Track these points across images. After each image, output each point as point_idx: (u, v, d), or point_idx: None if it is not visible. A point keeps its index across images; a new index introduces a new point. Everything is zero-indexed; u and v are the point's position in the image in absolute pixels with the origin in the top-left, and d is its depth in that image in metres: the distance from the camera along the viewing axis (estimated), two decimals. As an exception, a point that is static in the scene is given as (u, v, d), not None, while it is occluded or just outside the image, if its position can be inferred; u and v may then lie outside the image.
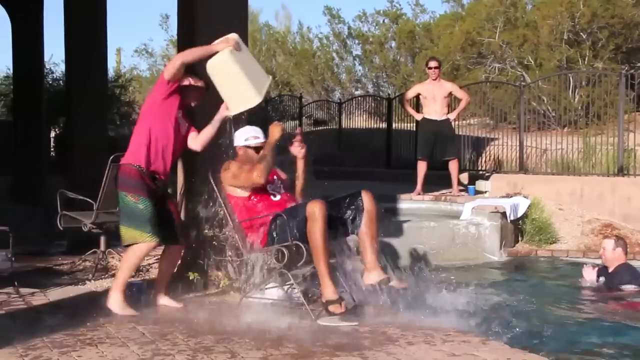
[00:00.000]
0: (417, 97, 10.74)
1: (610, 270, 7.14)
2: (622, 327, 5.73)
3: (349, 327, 4.73)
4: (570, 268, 8.07)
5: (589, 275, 7.20)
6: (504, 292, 7.08)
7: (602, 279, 7.19)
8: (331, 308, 4.67)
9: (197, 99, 5.32)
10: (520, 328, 5.55)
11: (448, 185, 10.59)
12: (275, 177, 5.41)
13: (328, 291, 4.76)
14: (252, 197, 5.23)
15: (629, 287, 6.96)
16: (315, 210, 4.74)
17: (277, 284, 5.50)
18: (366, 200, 5.11)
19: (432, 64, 10.08)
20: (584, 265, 7.38)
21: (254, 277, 5.41)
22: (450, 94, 10.24)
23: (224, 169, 5.27)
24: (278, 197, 5.29)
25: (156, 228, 4.97)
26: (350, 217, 5.14)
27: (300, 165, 5.47)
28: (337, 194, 5.29)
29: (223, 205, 5.24)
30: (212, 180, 5.33)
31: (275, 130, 5.20)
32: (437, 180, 11.59)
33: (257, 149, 5.33)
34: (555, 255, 8.80)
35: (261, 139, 5.33)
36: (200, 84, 5.28)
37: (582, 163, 11.28)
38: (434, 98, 10.09)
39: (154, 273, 6.59)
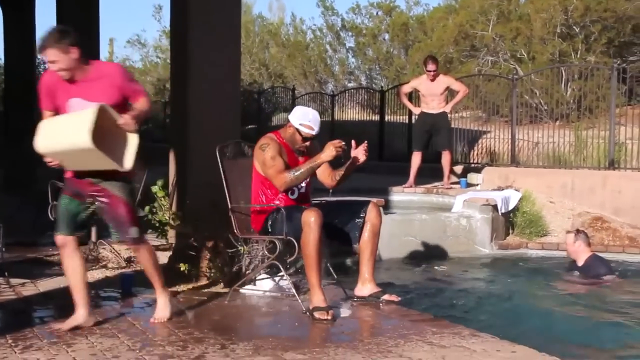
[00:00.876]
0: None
1: (580, 263, 7.37)
2: (602, 321, 5.78)
3: (339, 319, 4.74)
4: (559, 261, 8.09)
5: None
6: (493, 285, 7.13)
7: (575, 272, 7.40)
8: (317, 314, 4.67)
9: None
10: (509, 320, 5.59)
11: (440, 177, 10.60)
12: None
13: (316, 299, 4.76)
14: (271, 186, 5.13)
15: (609, 277, 7.22)
16: (311, 220, 4.69)
17: (268, 275, 5.50)
18: (373, 213, 5.07)
19: (431, 67, 10.06)
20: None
21: (244, 268, 5.41)
22: (447, 88, 10.24)
23: (262, 145, 5.05)
24: (295, 195, 5.17)
25: (64, 224, 4.64)
26: (352, 227, 5.12)
27: (350, 168, 5.30)
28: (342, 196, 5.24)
29: (226, 190, 5.19)
30: (220, 162, 5.23)
31: (329, 151, 4.92)
32: (429, 173, 11.59)
33: (305, 138, 5.16)
34: (546, 248, 8.82)
35: (315, 132, 5.13)
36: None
37: (573, 156, 11.30)
38: (431, 95, 10.14)
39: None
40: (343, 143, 4.95)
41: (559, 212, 9.67)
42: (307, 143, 5.13)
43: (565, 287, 7.12)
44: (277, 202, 5.05)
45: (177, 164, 6.89)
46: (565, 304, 6.36)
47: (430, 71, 10.02)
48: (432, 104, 10.15)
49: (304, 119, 5.06)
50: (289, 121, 5.12)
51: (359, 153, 5.15)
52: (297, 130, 5.07)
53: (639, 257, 8.54)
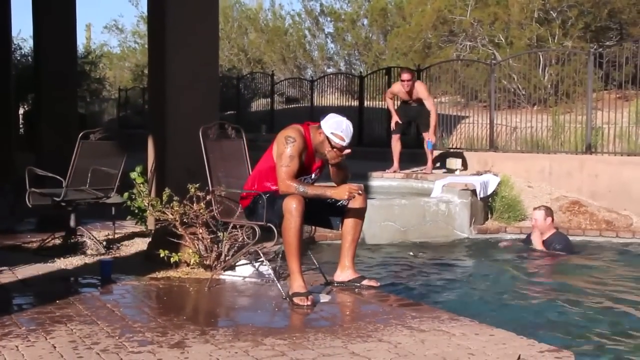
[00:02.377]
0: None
1: (543, 238, 7.78)
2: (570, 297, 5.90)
3: (319, 304, 4.74)
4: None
5: (537, 239, 7.78)
6: (472, 269, 7.16)
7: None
8: (297, 300, 4.66)
9: None
10: (488, 304, 5.62)
11: (420, 162, 10.62)
12: (315, 173, 5.12)
13: (296, 285, 4.75)
14: (274, 173, 5.04)
15: (561, 254, 7.63)
16: (292, 207, 4.65)
17: (248, 261, 5.49)
18: (358, 199, 5.03)
19: (405, 76, 10.14)
20: (531, 235, 7.91)
21: (225, 254, 5.39)
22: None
23: (288, 137, 4.87)
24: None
25: None
26: (335, 213, 5.09)
27: (332, 169, 5.20)
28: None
29: (208, 173, 5.15)
30: (202, 143, 5.18)
31: (342, 193, 4.83)
32: (409, 158, 11.61)
33: (334, 147, 5.01)
34: (524, 232, 8.86)
35: (345, 143, 5.01)
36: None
37: (551, 141, 11.36)
38: (409, 99, 10.28)
39: (124, 251, 6.57)
40: (360, 192, 4.89)
41: (537, 197, 9.72)
42: (334, 157, 4.96)
43: (536, 269, 7.24)
44: (271, 188, 5.00)
45: (156, 150, 6.85)
46: (540, 285, 6.42)
47: (404, 81, 10.12)
48: (411, 104, 10.32)
49: (337, 128, 4.91)
50: (321, 127, 4.95)
51: (331, 154, 5.01)
52: (327, 138, 4.93)
53: (616, 240, 8.63)
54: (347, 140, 4.92)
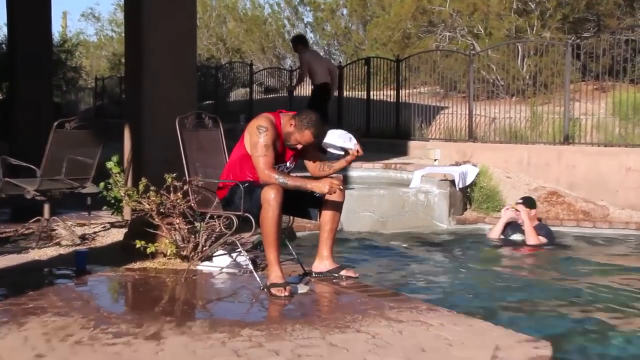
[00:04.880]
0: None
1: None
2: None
3: (296, 295, 4.71)
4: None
5: (531, 232, 7.68)
6: (451, 259, 7.16)
7: (518, 237, 7.80)
8: (274, 290, 4.63)
9: None
10: (466, 294, 5.63)
11: (399, 153, 10.62)
12: (289, 161, 5.11)
13: (274, 275, 4.72)
14: (249, 162, 5.00)
15: (543, 240, 7.67)
16: (271, 197, 4.62)
17: (225, 252, 5.46)
18: (334, 194, 5.00)
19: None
20: (505, 209, 8.01)
21: (202, 244, 5.35)
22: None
23: (260, 127, 4.84)
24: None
25: None
26: (313, 204, 5.07)
27: (343, 164, 5.20)
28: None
29: (185, 163, 5.11)
30: (179, 133, 5.14)
31: (323, 186, 4.79)
32: (388, 148, 11.64)
33: (320, 149, 5.07)
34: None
35: (333, 152, 5.03)
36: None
37: (529, 132, 11.40)
38: None
39: (100, 241, 6.51)
40: (341, 187, 4.90)
41: (515, 187, 9.75)
42: (300, 146, 5.01)
43: (516, 259, 7.27)
44: (249, 177, 4.97)
45: (133, 139, 6.80)
46: (520, 276, 6.44)
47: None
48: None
49: (333, 139, 5.05)
50: (293, 119, 4.93)
51: (353, 149, 5.09)
52: (299, 133, 4.91)
53: (592, 230, 8.68)
54: (337, 149, 5.03)
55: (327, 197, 4.99)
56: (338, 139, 5.09)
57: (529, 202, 7.90)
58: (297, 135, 4.94)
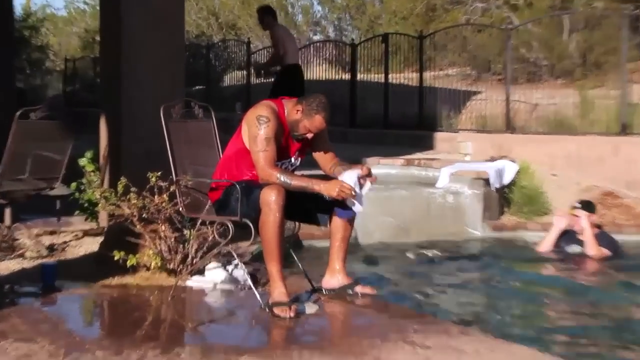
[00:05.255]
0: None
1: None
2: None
3: (303, 316, 4.70)
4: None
5: (592, 242, 7.45)
6: (486, 273, 7.14)
7: (576, 247, 7.56)
8: (277, 310, 4.62)
9: None
10: (505, 315, 5.60)
11: (423, 146, 10.62)
12: (294, 157, 5.09)
13: (277, 293, 4.70)
14: (247, 158, 4.99)
15: (606, 252, 7.45)
16: (271, 199, 4.61)
17: (219, 264, 5.46)
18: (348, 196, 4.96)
19: None
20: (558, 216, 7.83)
21: (192, 255, 5.36)
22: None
23: (260, 117, 4.84)
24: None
25: None
26: (322, 207, 5.06)
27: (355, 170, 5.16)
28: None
29: (171, 160, 5.11)
30: (164, 125, 5.15)
31: (332, 189, 4.77)
32: (410, 141, 11.63)
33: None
34: (548, 229, 8.85)
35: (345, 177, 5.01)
36: None
37: (578, 120, 11.36)
38: None
39: (71, 253, 6.52)
40: (353, 193, 4.84)
41: (562, 187, 9.72)
42: (310, 135, 5.00)
43: (565, 272, 7.21)
44: (247, 176, 4.97)
45: (110, 132, 6.81)
46: (573, 293, 6.40)
47: None
48: None
49: (345, 176, 4.93)
50: (299, 104, 4.94)
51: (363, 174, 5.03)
52: (308, 119, 4.90)
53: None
54: (349, 180, 4.90)
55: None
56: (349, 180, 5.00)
57: (588, 207, 7.65)
58: (307, 122, 4.95)
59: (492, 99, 12.34)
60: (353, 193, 4.84)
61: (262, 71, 13.26)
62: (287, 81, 11.24)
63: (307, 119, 4.95)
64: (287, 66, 11.37)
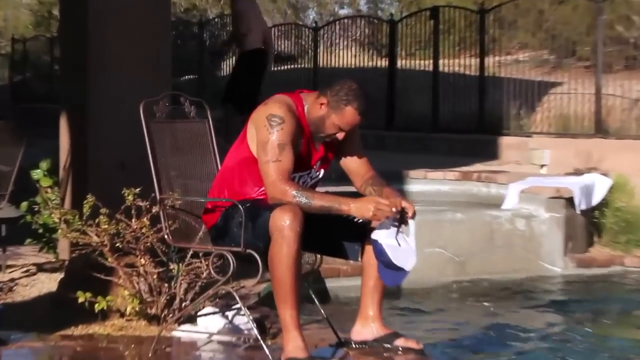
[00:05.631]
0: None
1: None
2: None
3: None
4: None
5: None
6: (569, 325, 7.12)
7: None
8: (292, 369, 4.66)
9: None
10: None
11: (484, 155, 10.61)
12: (315, 167, 5.08)
13: (292, 346, 4.71)
14: (253, 170, 5.01)
15: None
16: (285, 224, 4.59)
17: (216, 309, 5.49)
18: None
19: None
20: None
21: (180, 297, 5.40)
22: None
23: (272, 116, 4.81)
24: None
25: None
26: (351, 236, 5.06)
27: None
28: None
29: (154, 172, 5.15)
30: (145, 126, 5.19)
31: (365, 208, 4.75)
32: (467, 148, 11.62)
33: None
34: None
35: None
36: None
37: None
38: None
39: (21, 293, 6.56)
40: (394, 211, 4.79)
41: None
42: (341, 135, 5.01)
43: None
44: (253, 194, 4.98)
45: (73, 136, 6.85)
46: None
47: None
48: None
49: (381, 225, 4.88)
50: (322, 96, 4.91)
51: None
52: (336, 114, 4.88)
53: None
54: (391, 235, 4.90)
55: (376, 223, 4.99)
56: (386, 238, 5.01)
57: None
58: (335, 117, 4.90)
59: (577, 93, 12.32)
60: (398, 240, 4.81)
61: (215, 54, 13.36)
62: (246, 70, 11.33)
63: (336, 113, 4.91)
64: (249, 51, 11.46)
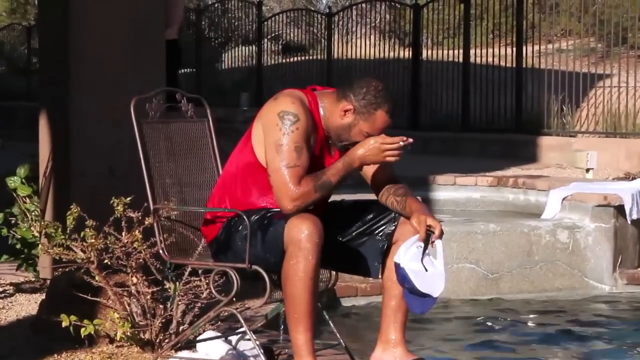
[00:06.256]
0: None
1: None
2: None
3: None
4: None
5: None
6: (619, 348, 7.13)
7: None
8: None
9: None
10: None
11: (521, 157, 10.62)
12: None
13: None
14: (261, 176, 5.02)
15: None
16: (301, 236, 4.60)
17: (218, 333, 5.52)
18: (406, 233, 4.91)
19: None
20: None
21: (177, 319, 5.43)
22: None
23: (284, 113, 4.80)
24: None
25: None
26: (371, 250, 5.07)
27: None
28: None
29: (147, 178, 5.19)
30: (136, 127, 5.23)
31: (378, 153, 4.84)
32: (502, 150, 11.63)
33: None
34: None
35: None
36: None
37: None
38: None
39: (-3, 317, 6.62)
40: (410, 141, 4.90)
41: None
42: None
43: None
44: (261, 203, 4.99)
45: (54, 139, 6.88)
46: None
47: None
48: None
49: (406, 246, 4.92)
50: (344, 99, 4.90)
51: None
52: (365, 120, 4.89)
53: None
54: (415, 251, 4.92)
55: (396, 239, 5.01)
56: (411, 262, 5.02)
57: None
58: (364, 124, 4.87)
59: (628, 86, 12.33)
60: (424, 264, 4.82)
61: None
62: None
63: (364, 120, 4.89)
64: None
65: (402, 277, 4.75)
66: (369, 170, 5.12)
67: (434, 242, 4.82)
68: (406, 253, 4.77)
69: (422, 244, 4.77)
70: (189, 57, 19.18)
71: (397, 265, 4.79)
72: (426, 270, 4.75)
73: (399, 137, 4.80)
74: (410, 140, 4.85)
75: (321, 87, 5.08)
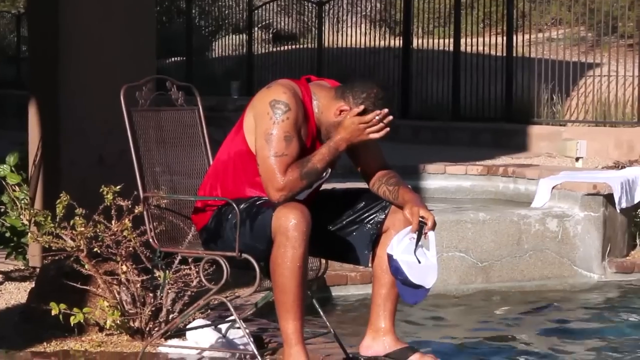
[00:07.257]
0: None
1: None
2: None
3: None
4: None
5: None
6: (604, 342, 7.13)
7: None
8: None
9: None
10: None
11: (511, 146, 10.63)
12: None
13: None
14: (251, 165, 5.02)
15: None
16: (289, 224, 4.61)
17: (208, 321, 5.52)
18: (396, 222, 4.97)
19: None
20: None
21: (167, 307, 5.42)
22: None
23: (275, 102, 4.79)
24: (301, 195, 5.06)
25: None
26: (361, 238, 5.07)
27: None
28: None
29: (137, 167, 5.18)
30: (126, 115, 5.22)
31: (357, 132, 4.84)
32: (492, 139, 11.64)
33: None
34: None
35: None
36: None
37: None
38: None
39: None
40: (385, 111, 4.86)
41: None
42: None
43: None
44: (251, 191, 4.99)
45: (44, 127, 6.87)
46: None
47: None
48: None
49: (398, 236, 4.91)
50: (342, 97, 4.89)
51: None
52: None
53: None
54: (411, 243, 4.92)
55: (386, 227, 5.01)
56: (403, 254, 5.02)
57: None
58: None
59: (618, 75, 12.33)
60: (417, 256, 4.84)
61: None
62: None
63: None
64: None
65: (395, 268, 4.75)
66: (360, 159, 5.12)
67: (426, 233, 4.81)
68: (399, 244, 4.77)
69: (415, 236, 4.77)
70: (179, 46, 19.17)
71: (390, 257, 4.79)
72: (419, 262, 4.75)
73: (373, 113, 4.79)
74: (385, 110, 4.83)
75: (316, 77, 5.06)
